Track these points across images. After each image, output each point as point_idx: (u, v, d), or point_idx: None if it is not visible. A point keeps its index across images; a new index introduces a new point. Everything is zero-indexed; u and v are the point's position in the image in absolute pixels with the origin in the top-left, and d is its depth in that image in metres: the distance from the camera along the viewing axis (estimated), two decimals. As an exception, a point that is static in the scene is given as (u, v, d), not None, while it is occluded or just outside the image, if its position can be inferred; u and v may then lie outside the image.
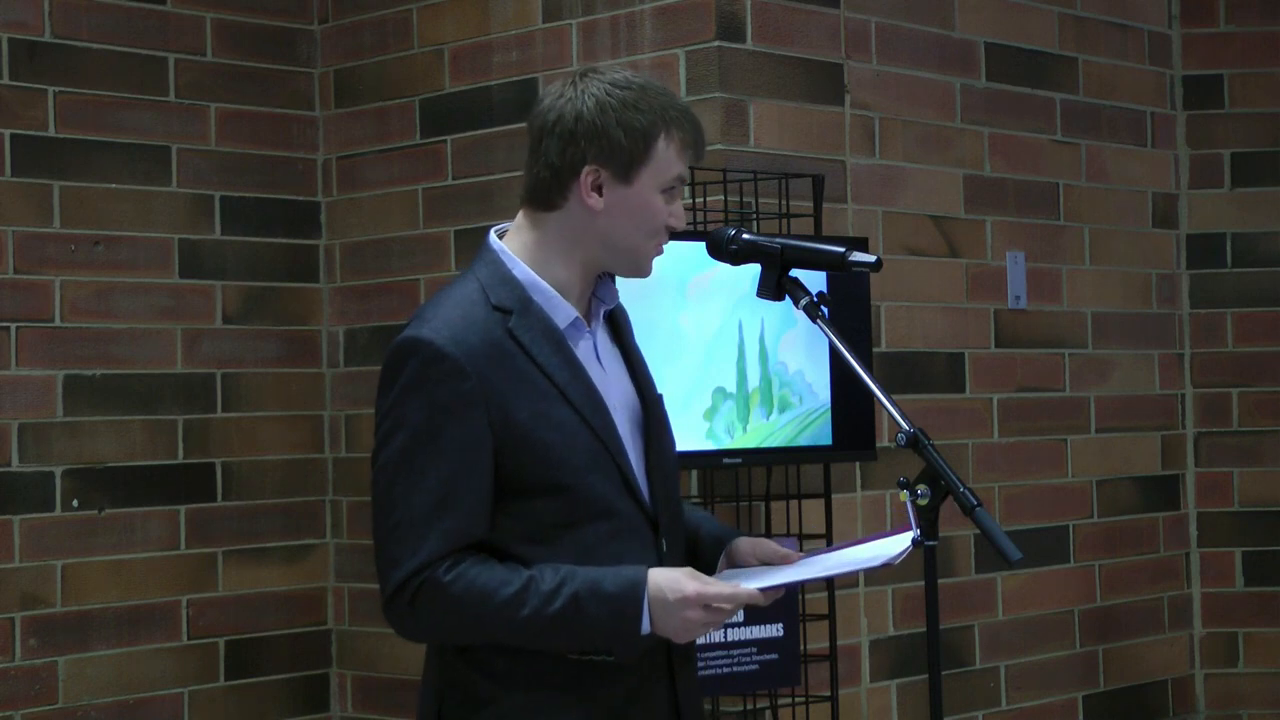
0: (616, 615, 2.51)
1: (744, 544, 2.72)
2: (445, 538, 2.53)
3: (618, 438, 2.62)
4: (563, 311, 2.64)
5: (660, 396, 2.77)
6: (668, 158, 2.62)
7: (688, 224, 4.45)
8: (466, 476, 2.53)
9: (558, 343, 2.61)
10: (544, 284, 2.64)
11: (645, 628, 2.51)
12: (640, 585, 2.52)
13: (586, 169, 2.61)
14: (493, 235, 2.70)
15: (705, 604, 2.51)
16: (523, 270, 2.64)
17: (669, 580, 2.52)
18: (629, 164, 2.60)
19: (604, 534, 2.58)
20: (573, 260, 2.65)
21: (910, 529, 2.55)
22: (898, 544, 2.58)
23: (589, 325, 2.69)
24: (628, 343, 2.77)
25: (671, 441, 2.77)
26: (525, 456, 2.55)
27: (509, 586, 2.52)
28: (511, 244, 2.67)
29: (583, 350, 2.66)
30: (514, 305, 2.61)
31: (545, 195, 2.64)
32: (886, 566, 2.58)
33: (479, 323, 2.58)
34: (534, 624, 2.51)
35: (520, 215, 2.69)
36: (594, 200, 2.61)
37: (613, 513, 2.59)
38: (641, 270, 2.68)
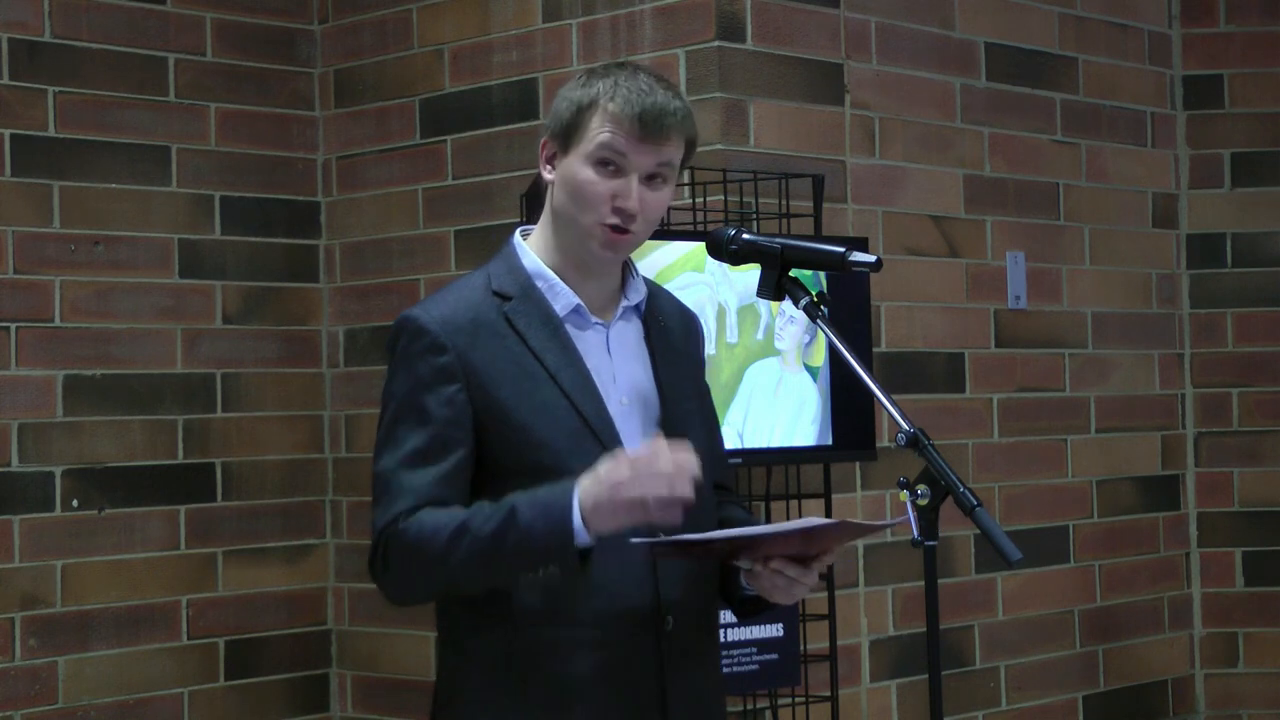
0: (546, 512, 2.47)
1: None
2: (413, 497, 2.56)
3: (610, 425, 2.62)
4: (564, 298, 2.66)
5: (692, 403, 2.75)
6: (594, 128, 2.61)
7: (687, 224, 4.45)
8: (442, 446, 2.57)
9: (554, 328, 2.64)
10: (548, 272, 2.67)
11: (576, 519, 2.45)
12: (573, 483, 2.47)
13: (542, 140, 2.68)
14: (516, 233, 2.75)
15: (626, 468, 2.44)
16: (530, 259, 2.69)
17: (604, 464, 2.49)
18: (566, 135, 2.63)
19: None
20: (563, 244, 2.68)
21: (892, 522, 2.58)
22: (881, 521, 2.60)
23: (606, 317, 2.69)
24: (659, 342, 2.74)
25: (697, 443, 2.67)
26: (507, 435, 2.57)
27: (455, 520, 2.52)
28: (530, 239, 2.72)
29: (589, 338, 2.67)
30: (515, 292, 2.65)
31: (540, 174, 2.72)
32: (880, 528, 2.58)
33: (472, 305, 2.64)
34: (478, 547, 2.49)
35: None
36: (548, 172, 2.67)
37: None
38: (587, 252, 2.64)
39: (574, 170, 2.62)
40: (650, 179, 2.62)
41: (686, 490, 2.44)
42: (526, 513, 2.48)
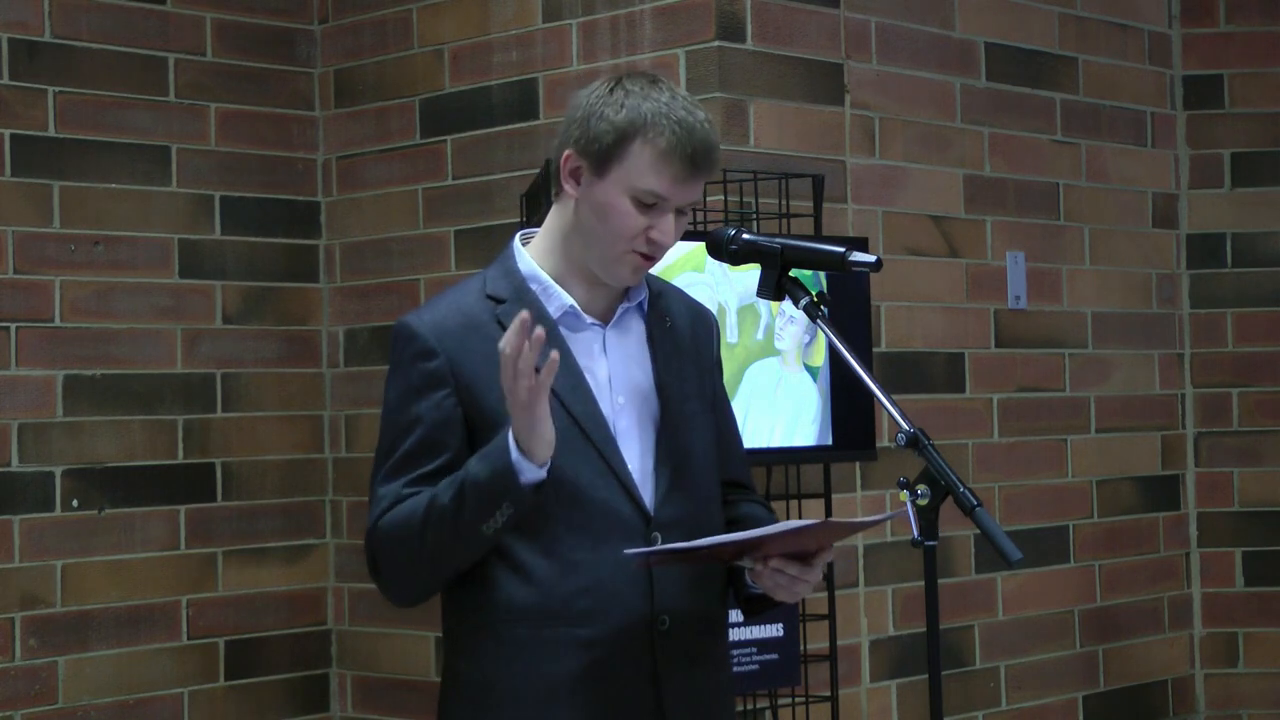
0: (489, 456, 2.51)
1: None
2: (392, 497, 2.61)
3: (603, 424, 2.62)
4: (557, 300, 2.67)
5: (694, 402, 2.73)
6: (639, 164, 2.58)
7: (687, 224, 4.44)
8: (428, 449, 2.60)
9: (547, 330, 2.62)
10: (542, 274, 2.68)
11: (514, 452, 2.48)
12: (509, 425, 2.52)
13: (566, 152, 2.64)
14: (516, 237, 2.75)
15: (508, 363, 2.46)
16: (526, 263, 2.69)
17: None
18: (601, 157, 2.60)
19: (576, 521, 2.58)
20: (568, 251, 2.68)
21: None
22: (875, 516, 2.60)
23: (604, 319, 2.69)
24: (662, 341, 2.73)
25: (698, 442, 2.72)
26: (495, 436, 2.57)
27: (424, 499, 2.56)
28: (531, 244, 2.73)
29: (583, 340, 2.67)
30: (508, 295, 2.66)
31: (554, 181, 2.69)
32: (876, 523, 2.59)
33: (464, 309, 2.65)
34: (445, 513, 2.53)
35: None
36: (570, 186, 2.65)
37: (586, 500, 2.58)
38: (612, 276, 2.66)
39: (609, 198, 2.60)
40: (679, 210, 2.64)
41: (531, 336, 2.42)
42: (475, 465, 2.53)
